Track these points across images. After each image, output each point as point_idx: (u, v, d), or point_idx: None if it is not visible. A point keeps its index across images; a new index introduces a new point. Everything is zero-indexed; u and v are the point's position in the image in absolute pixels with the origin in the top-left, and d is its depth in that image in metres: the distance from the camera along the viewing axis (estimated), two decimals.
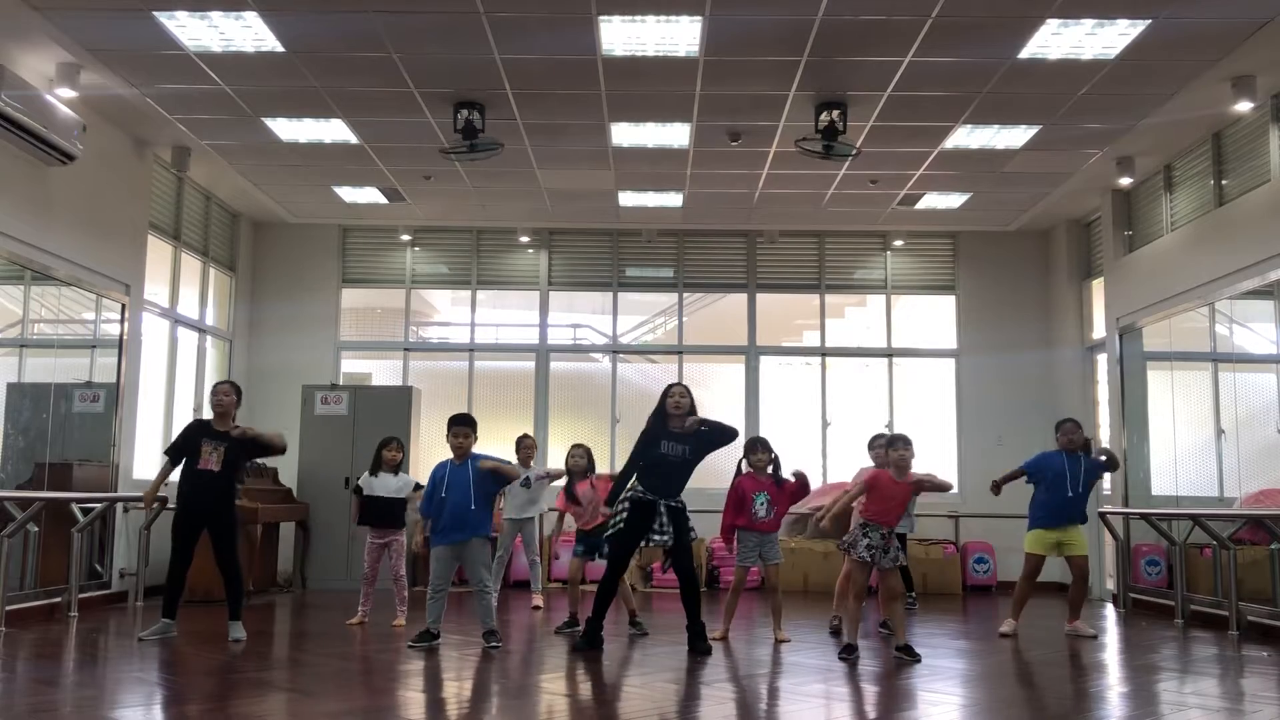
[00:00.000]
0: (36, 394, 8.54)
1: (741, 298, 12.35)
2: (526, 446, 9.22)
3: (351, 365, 12.60)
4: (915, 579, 10.58)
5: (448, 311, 13.54)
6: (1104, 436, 11.11)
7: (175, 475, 6.96)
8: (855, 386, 12.26)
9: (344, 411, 10.66)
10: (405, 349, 12.33)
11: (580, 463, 7.95)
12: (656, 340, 13.03)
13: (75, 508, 8.26)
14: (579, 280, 12.52)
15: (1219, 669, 6.47)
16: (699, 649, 6.55)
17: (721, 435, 6.89)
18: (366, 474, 8.07)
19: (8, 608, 7.26)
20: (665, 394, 6.91)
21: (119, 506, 9.03)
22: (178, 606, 6.94)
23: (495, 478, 6.83)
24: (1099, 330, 11.13)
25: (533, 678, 5.90)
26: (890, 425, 11.87)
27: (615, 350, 12.35)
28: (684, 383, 7.12)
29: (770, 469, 7.21)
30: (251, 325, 12.01)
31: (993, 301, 12.09)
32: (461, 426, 6.87)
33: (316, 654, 6.56)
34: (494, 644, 6.66)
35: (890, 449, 6.73)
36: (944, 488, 6.95)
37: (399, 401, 10.73)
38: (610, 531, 6.86)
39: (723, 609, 7.36)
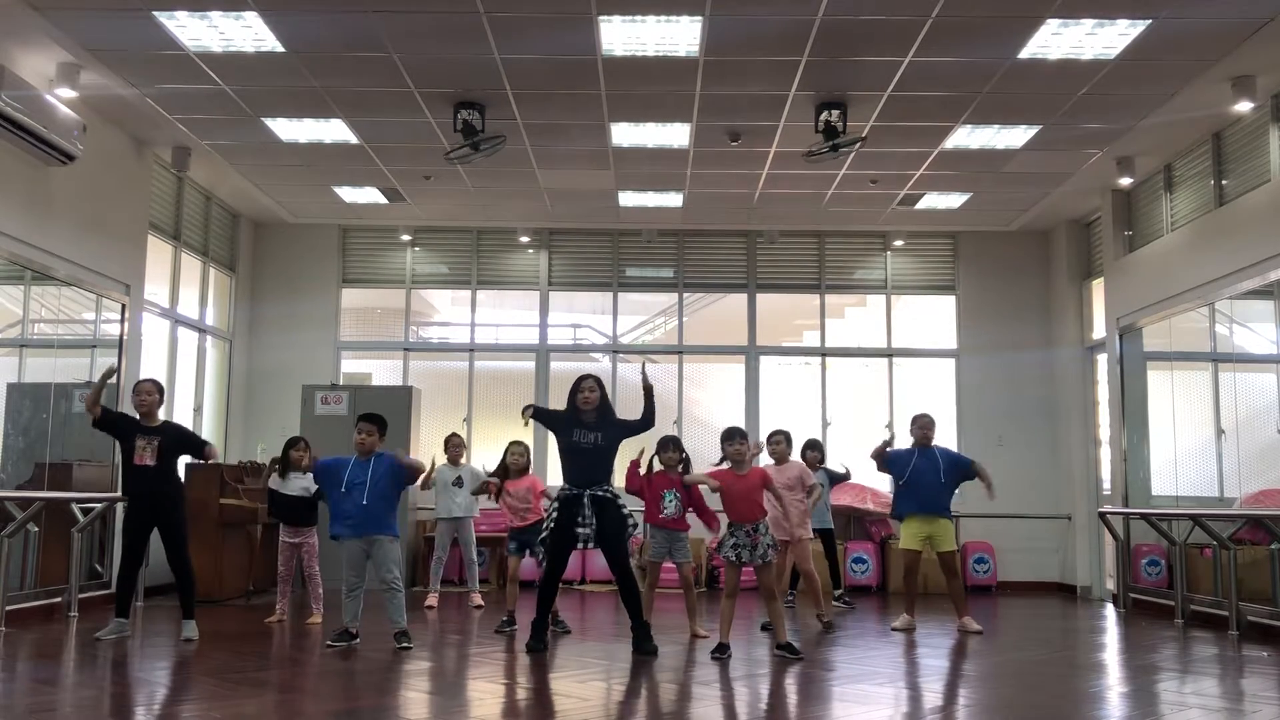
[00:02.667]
0: (36, 394, 8.54)
1: (741, 298, 12.35)
2: (455, 445, 9.25)
3: (351, 365, 12.60)
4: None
5: (448, 311, 13.53)
6: (1104, 436, 11.12)
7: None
8: (855, 387, 12.26)
9: (344, 411, 10.65)
10: (405, 349, 12.33)
11: (520, 461, 7.84)
12: (656, 340, 13.03)
13: (75, 508, 8.26)
14: (579, 280, 12.51)
15: (1219, 669, 6.47)
16: (644, 649, 6.49)
17: (631, 428, 6.77)
18: (275, 475, 8.10)
19: (8, 608, 7.26)
20: (576, 387, 6.75)
21: (119, 506, 9.02)
22: (130, 605, 6.98)
23: (397, 476, 6.81)
24: (1099, 330, 11.13)
25: (532, 677, 5.90)
26: (891, 425, 11.88)
27: (615, 350, 12.34)
28: (596, 375, 6.88)
29: (680, 468, 7.16)
30: (251, 325, 12.01)
31: (993, 301, 12.09)
32: (368, 424, 6.88)
33: (316, 654, 6.56)
34: (405, 645, 6.57)
35: (725, 444, 6.64)
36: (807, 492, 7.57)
37: (399, 401, 10.72)
38: (544, 534, 6.81)
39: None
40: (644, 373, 6.82)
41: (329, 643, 6.67)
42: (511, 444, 8.03)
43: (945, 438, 11.91)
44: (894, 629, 7.84)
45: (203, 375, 11.15)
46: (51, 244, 8.20)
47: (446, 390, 12.07)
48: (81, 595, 8.27)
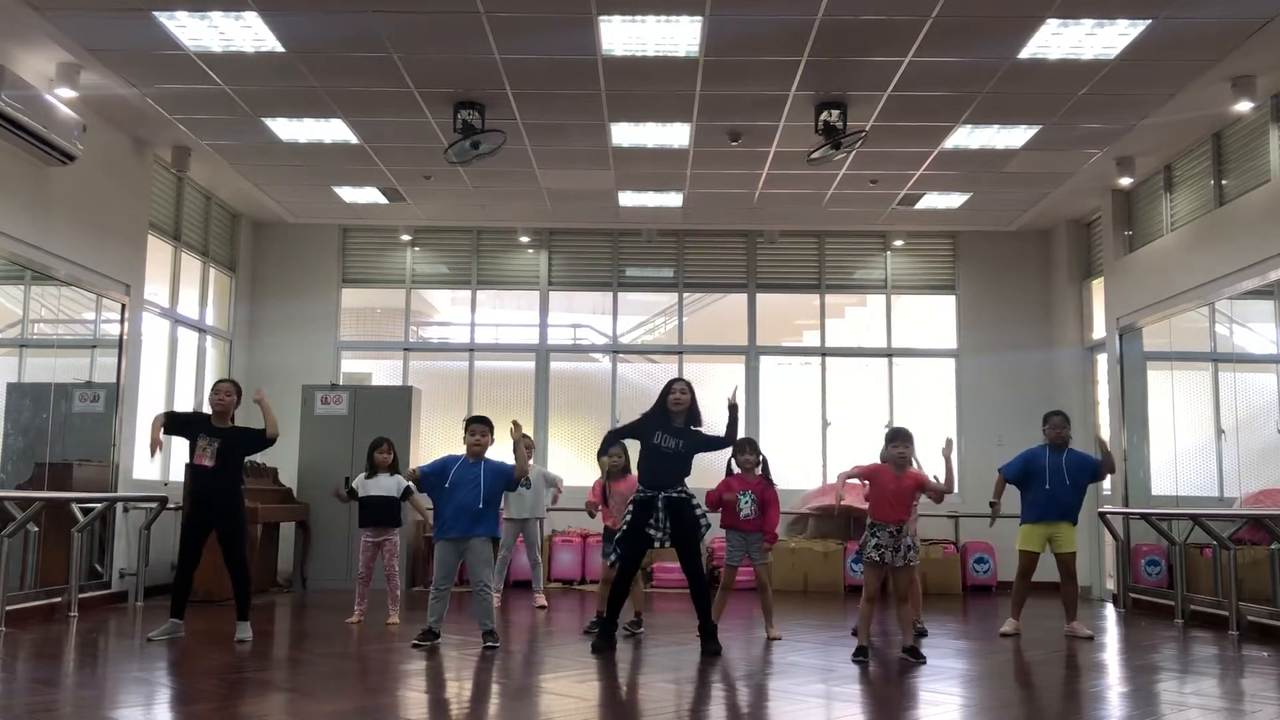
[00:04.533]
0: (36, 394, 8.54)
1: (741, 298, 12.35)
2: (525, 446, 9.22)
3: (351, 365, 12.60)
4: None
5: (448, 311, 13.54)
6: (1104, 436, 11.09)
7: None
8: (855, 386, 12.26)
9: (344, 411, 10.66)
10: (405, 349, 12.34)
11: (618, 461, 7.74)
12: (656, 340, 13.03)
13: (75, 508, 8.26)
14: (579, 280, 12.52)
15: (1219, 669, 6.47)
16: (709, 650, 6.53)
17: (711, 443, 6.89)
18: (361, 477, 8.09)
19: (8, 608, 7.26)
20: (667, 389, 6.89)
21: (119, 506, 9.03)
22: (186, 606, 6.93)
23: (504, 480, 6.85)
24: (1099, 330, 11.14)
25: (533, 678, 5.90)
26: (890, 425, 11.86)
27: (615, 350, 12.34)
28: (687, 379, 7.02)
29: (758, 470, 7.26)
30: (251, 325, 12.01)
31: (993, 301, 12.09)
32: (479, 425, 6.89)
33: (316, 654, 6.56)
34: (492, 644, 6.66)
35: (890, 445, 6.62)
36: (940, 490, 6.73)
37: (399, 401, 10.73)
38: (619, 534, 6.88)
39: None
40: (733, 398, 6.96)
41: (414, 643, 6.69)
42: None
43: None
44: (1002, 634, 7.61)
45: (203, 375, 11.14)
46: (51, 244, 8.20)
47: (446, 390, 12.07)
48: (81, 595, 8.27)
